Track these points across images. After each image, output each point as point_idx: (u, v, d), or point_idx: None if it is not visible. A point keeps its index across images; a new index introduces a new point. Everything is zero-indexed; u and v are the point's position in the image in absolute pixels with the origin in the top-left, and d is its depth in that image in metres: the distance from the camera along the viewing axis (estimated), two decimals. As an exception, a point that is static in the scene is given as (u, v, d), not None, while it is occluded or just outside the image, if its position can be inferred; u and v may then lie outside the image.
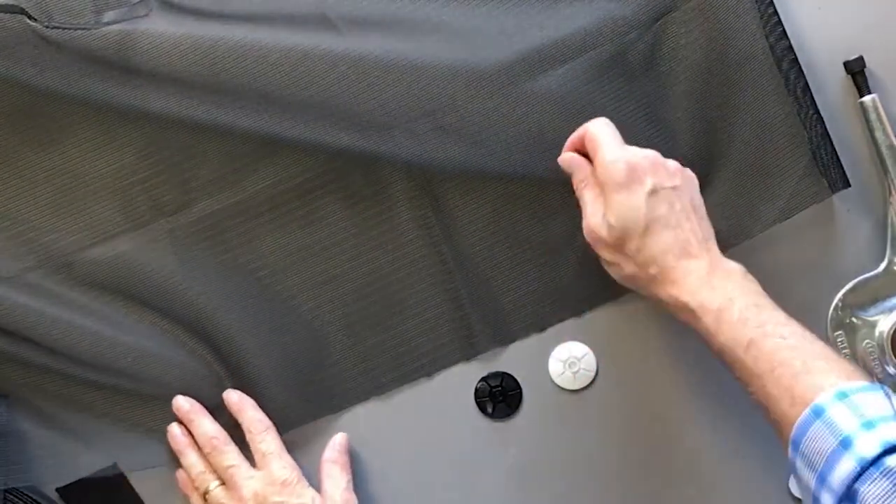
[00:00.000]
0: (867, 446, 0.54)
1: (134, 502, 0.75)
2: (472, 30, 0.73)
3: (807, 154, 0.72)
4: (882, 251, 0.73)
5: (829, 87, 0.74)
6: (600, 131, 0.67)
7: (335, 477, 0.72)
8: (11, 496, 0.72)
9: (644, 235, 0.65)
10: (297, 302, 0.75)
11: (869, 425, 0.55)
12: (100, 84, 0.71)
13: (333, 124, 0.71)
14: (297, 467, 0.71)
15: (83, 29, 0.70)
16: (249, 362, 0.73)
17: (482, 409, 0.75)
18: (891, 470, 0.53)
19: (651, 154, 0.66)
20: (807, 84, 0.72)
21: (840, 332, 0.73)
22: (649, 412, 0.75)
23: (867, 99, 0.72)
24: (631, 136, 0.71)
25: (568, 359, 0.75)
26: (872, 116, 0.72)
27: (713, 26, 0.72)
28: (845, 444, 0.55)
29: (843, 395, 0.57)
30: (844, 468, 0.54)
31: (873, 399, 0.57)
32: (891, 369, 0.72)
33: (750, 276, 0.65)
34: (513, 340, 0.75)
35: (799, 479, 0.59)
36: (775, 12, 0.71)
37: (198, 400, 0.73)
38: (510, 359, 0.75)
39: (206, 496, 0.71)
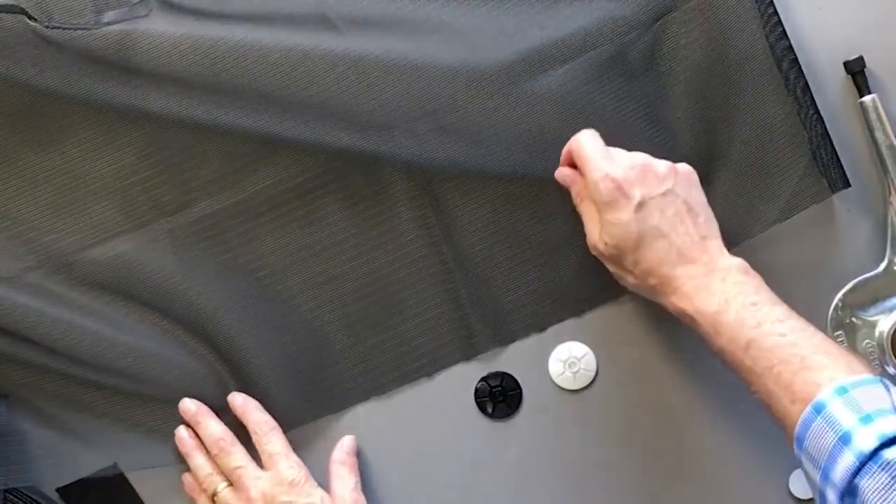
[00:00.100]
0: (865, 440, 0.55)
1: (134, 502, 0.75)
2: (473, 30, 0.73)
3: (807, 154, 0.72)
4: (882, 251, 0.73)
5: (829, 87, 0.74)
6: (584, 146, 0.66)
7: (344, 477, 0.72)
8: (11, 496, 0.72)
9: (637, 249, 0.65)
10: (297, 302, 0.75)
11: (867, 419, 0.55)
12: (100, 84, 0.71)
13: (333, 124, 0.71)
14: (304, 467, 0.71)
15: (83, 29, 0.70)
16: (250, 362, 0.73)
17: (482, 409, 0.75)
18: (888, 462, 0.53)
19: (639, 162, 0.66)
20: (807, 84, 0.72)
21: (840, 332, 0.73)
22: (649, 412, 0.75)
23: (867, 99, 0.72)
24: (631, 136, 0.71)
25: (568, 359, 0.75)
26: (872, 116, 0.72)
27: (713, 26, 0.72)
28: (844, 439, 0.55)
29: (842, 391, 0.57)
30: (844, 463, 0.55)
31: (873, 392, 0.57)
32: (891, 369, 0.72)
33: (751, 272, 0.65)
34: (513, 340, 0.75)
35: (806, 475, 0.60)
36: (775, 12, 0.71)
37: (197, 399, 0.73)
38: (510, 359, 0.75)
39: (215, 498, 0.71)
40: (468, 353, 0.75)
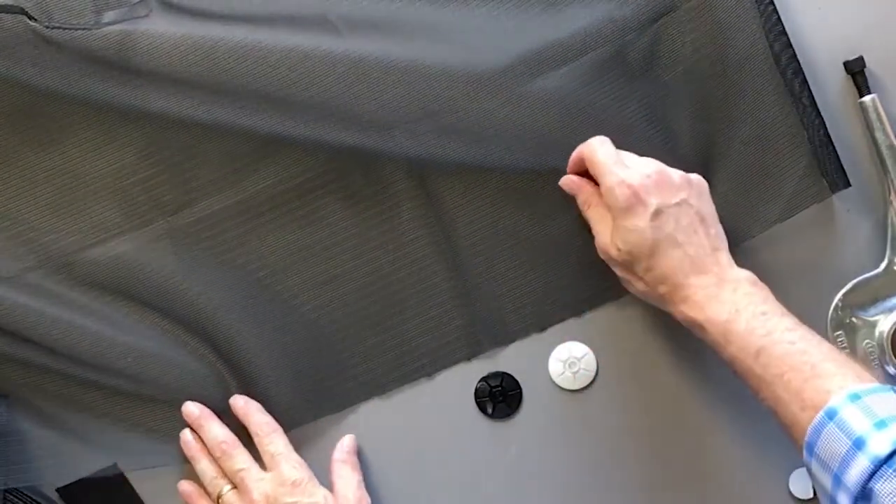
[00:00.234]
0: (880, 445, 0.55)
1: (134, 502, 0.75)
2: (473, 31, 0.73)
3: (807, 154, 0.72)
4: (882, 251, 0.73)
5: (829, 87, 0.74)
6: (597, 152, 0.67)
7: (346, 476, 0.72)
8: (11, 496, 0.72)
9: (651, 257, 0.65)
10: (297, 302, 0.75)
11: (881, 425, 0.56)
12: (100, 84, 0.71)
13: (334, 125, 0.71)
14: (306, 466, 0.71)
15: (83, 29, 0.70)
16: (250, 362, 0.73)
17: (482, 409, 0.75)
18: None
19: (654, 171, 0.66)
20: (807, 84, 0.72)
21: (840, 332, 0.73)
22: (649, 412, 0.75)
23: (867, 99, 0.72)
24: (631, 137, 0.71)
25: (568, 359, 0.75)
26: (872, 116, 0.72)
27: (713, 26, 0.72)
28: (858, 444, 0.55)
29: (855, 397, 0.57)
30: (859, 467, 0.55)
31: (885, 399, 0.57)
32: (891, 369, 0.72)
33: (759, 284, 0.65)
34: (513, 340, 0.75)
35: (815, 482, 0.60)
36: (775, 10, 0.71)
37: (197, 400, 0.73)
38: (510, 359, 0.75)
39: (220, 501, 0.71)
40: (468, 352, 0.75)
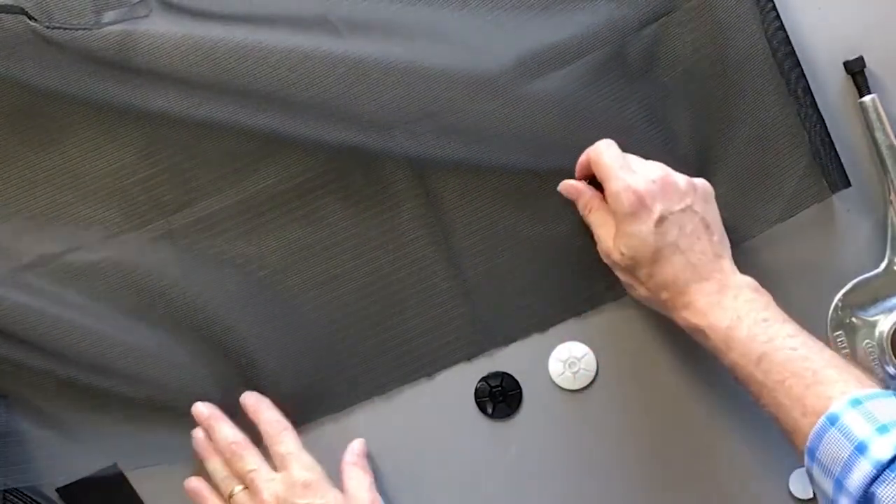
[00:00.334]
0: (882, 449, 0.55)
1: (134, 502, 0.75)
2: (472, 32, 0.73)
3: (807, 154, 0.72)
4: (882, 251, 0.73)
5: (829, 87, 0.74)
6: (602, 156, 0.67)
7: (357, 478, 0.71)
8: (11, 496, 0.72)
9: (653, 263, 0.65)
10: (297, 302, 0.75)
11: (883, 429, 0.56)
12: (100, 84, 0.71)
13: (334, 125, 0.71)
14: (317, 466, 0.70)
15: (84, 29, 0.70)
16: (250, 362, 0.73)
17: (482, 409, 0.75)
18: None
19: (660, 176, 0.66)
20: (807, 84, 0.72)
21: (840, 332, 0.73)
22: (649, 412, 0.75)
23: (867, 99, 0.72)
24: (632, 138, 0.71)
25: (568, 359, 0.75)
26: (872, 116, 0.72)
27: (713, 26, 0.72)
28: (860, 449, 0.55)
29: (856, 402, 0.57)
30: (861, 472, 0.55)
31: (886, 404, 0.57)
32: (891, 369, 0.72)
33: (761, 290, 0.65)
34: (513, 340, 0.75)
35: (816, 487, 0.60)
36: (774, 9, 0.71)
37: (197, 400, 0.73)
38: (510, 359, 0.75)
39: (230, 501, 0.70)
40: (468, 352, 0.75)
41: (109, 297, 0.74)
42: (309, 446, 0.73)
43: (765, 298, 0.65)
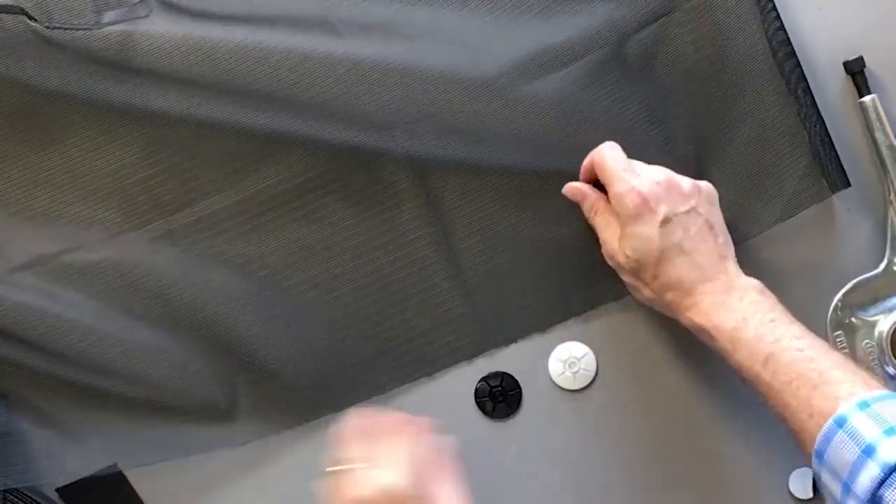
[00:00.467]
0: (890, 452, 0.55)
1: (134, 502, 0.75)
2: (472, 33, 0.73)
3: (807, 154, 0.72)
4: (882, 251, 0.73)
5: (829, 87, 0.74)
6: (606, 158, 0.67)
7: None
8: (11, 496, 0.72)
9: (658, 264, 0.65)
10: (298, 302, 0.75)
11: (891, 432, 0.56)
12: (100, 84, 0.71)
13: (334, 125, 0.71)
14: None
15: (84, 29, 0.70)
16: (250, 362, 0.73)
17: (482, 409, 0.75)
18: None
19: (664, 178, 0.66)
20: (807, 84, 0.72)
21: (840, 332, 0.73)
22: (649, 412, 0.75)
23: (867, 99, 0.72)
24: (632, 138, 0.71)
25: (568, 359, 0.75)
26: (872, 116, 0.72)
27: (713, 27, 0.72)
28: (868, 451, 0.55)
29: (864, 405, 0.57)
30: (868, 475, 0.55)
31: (893, 406, 0.57)
32: (890, 369, 0.72)
33: (767, 292, 0.65)
34: (513, 340, 0.75)
35: (825, 489, 0.60)
36: (774, 9, 0.71)
37: (197, 400, 0.73)
38: (510, 359, 0.75)
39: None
40: (468, 353, 0.75)
41: (109, 296, 0.74)
42: (309, 447, 0.73)
43: (770, 300, 0.65)
